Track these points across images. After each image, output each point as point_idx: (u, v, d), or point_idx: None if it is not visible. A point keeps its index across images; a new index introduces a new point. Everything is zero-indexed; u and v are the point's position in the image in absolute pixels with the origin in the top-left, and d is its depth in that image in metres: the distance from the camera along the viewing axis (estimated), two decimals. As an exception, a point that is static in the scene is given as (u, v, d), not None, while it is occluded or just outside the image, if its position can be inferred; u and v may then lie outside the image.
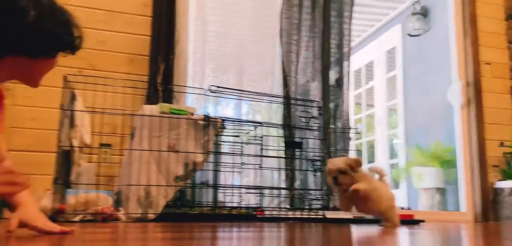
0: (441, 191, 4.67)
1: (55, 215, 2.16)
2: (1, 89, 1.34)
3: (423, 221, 2.85)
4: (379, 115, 6.21)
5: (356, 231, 1.77)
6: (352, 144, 3.45)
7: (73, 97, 2.50)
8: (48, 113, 2.80)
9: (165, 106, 2.49)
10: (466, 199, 3.62)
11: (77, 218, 2.14)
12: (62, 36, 1.27)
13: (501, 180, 3.52)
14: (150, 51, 3.03)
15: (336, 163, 1.96)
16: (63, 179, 2.34)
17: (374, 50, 6.39)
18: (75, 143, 2.47)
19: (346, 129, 3.36)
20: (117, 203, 2.35)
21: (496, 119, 3.67)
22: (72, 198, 2.18)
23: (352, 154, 3.41)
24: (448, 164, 4.63)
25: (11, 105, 2.77)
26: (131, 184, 2.31)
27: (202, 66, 3.34)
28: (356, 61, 6.51)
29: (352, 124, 3.56)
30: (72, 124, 2.49)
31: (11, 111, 2.76)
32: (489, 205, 3.52)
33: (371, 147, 6.54)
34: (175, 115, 2.45)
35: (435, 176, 4.71)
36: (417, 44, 5.41)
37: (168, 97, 2.95)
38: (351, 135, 3.40)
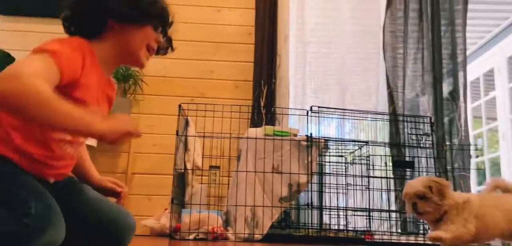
0: None
1: (172, 233, 2.34)
2: (113, 83, 1.44)
3: None
4: (503, 128, 5.50)
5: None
6: (472, 162, 3.10)
7: (186, 124, 2.73)
8: (166, 139, 3.09)
9: (269, 128, 2.56)
10: None
11: (191, 236, 2.29)
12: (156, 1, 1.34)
13: None
14: (254, 76, 3.17)
15: (413, 184, 1.64)
16: (179, 199, 2.53)
17: (494, 57, 5.74)
18: (189, 165, 2.67)
19: (464, 146, 3.05)
20: (226, 222, 2.46)
21: None
22: (187, 217, 2.34)
23: (472, 173, 3.06)
24: None
25: (135, 133, 3.13)
26: (238, 204, 2.41)
27: (303, 87, 3.37)
28: (473, 71, 5.91)
29: (471, 139, 3.22)
30: (186, 148, 2.71)
31: (135, 139, 3.12)
32: None
33: (495, 164, 5.80)
34: (279, 137, 2.50)
35: None
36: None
37: (271, 119, 3.03)
38: (471, 152, 3.07)
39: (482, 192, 1.82)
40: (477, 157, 3.22)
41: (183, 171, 2.71)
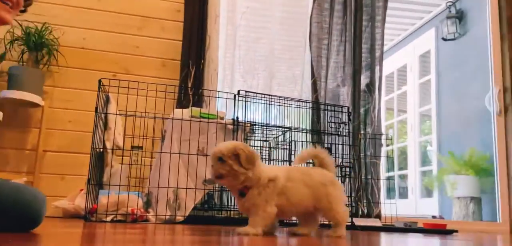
0: (476, 200, 4.50)
1: (88, 215, 2.23)
2: None
3: (456, 231, 2.75)
4: (412, 121, 6.06)
5: (385, 239, 1.73)
6: (383, 150, 3.38)
7: (107, 101, 2.59)
8: (84, 116, 2.91)
9: (196, 110, 2.53)
10: (502, 209, 3.47)
11: (108, 218, 2.20)
12: None
13: (542, 191, 3.35)
14: (182, 56, 3.10)
15: (218, 146, 1.53)
16: (96, 179, 2.41)
17: (407, 55, 6.25)
18: (108, 145, 2.55)
19: (376, 135, 3.30)
20: (147, 204, 2.40)
21: (537, 127, 3.50)
22: (104, 198, 2.24)
23: (382, 160, 3.34)
24: (484, 172, 4.46)
25: (48, 108, 2.90)
26: (160, 186, 2.36)
27: (232, 71, 3.37)
28: (388, 66, 6.39)
29: (383, 129, 3.49)
30: (105, 127, 2.57)
31: (48, 114, 2.89)
32: (529, 217, 3.36)
33: (403, 153, 6.38)
34: (205, 119, 2.49)
35: (470, 185, 4.55)
36: (452, 48, 5.26)
37: (198, 101, 3.00)
38: (382, 141, 3.33)
39: (294, 164, 1.82)
40: (387, 146, 3.51)
41: (102, 150, 2.57)
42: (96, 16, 3.10)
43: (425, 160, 5.97)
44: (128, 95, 2.45)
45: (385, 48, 3.84)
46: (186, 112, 2.53)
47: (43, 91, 2.84)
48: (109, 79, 2.52)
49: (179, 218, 2.31)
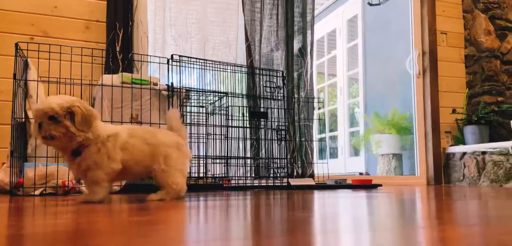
0: (398, 156, 4.90)
1: (13, 189, 2.07)
2: None
3: (380, 185, 2.99)
4: (341, 84, 6.35)
5: (318, 196, 1.83)
6: (315, 113, 3.52)
7: (26, 67, 2.37)
8: (1, 84, 2.65)
9: (127, 76, 2.42)
10: (420, 163, 3.82)
11: (37, 192, 2.06)
12: None
13: (452, 146, 3.74)
14: (107, 17, 2.91)
15: (48, 101, 1.33)
16: (20, 152, 2.24)
17: (336, 19, 6.47)
18: (30, 114, 2.36)
19: (309, 98, 3.42)
20: (78, 175, 2.29)
21: (450, 87, 3.86)
22: (30, 171, 2.09)
23: (315, 123, 3.48)
24: (404, 130, 4.85)
25: (-43, 75, 2.59)
26: (92, 156, 2.25)
27: (163, 34, 3.25)
28: (319, 31, 6.57)
29: (315, 93, 3.62)
30: (26, 94, 2.37)
31: (-43, 82, 2.59)
32: (441, 169, 3.74)
33: (333, 115, 6.70)
34: (138, 85, 2.39)
35: (392, 143, 4.93)
36: (377, 13, 5.52)
37: (129, 66, 2.86)
38: (315, 104, 3.47)
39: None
40: (319, 108, 3.65)
41: (24, 120, 2.38)
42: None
43: (353, 121, 6.33)
44: (49, 60, 2.27)
45: (315, 12, 3.93)
46: (116, 78, 2.41)
47: None
48: (27, 42, 2.30)
49: (115, 188, 2.24)
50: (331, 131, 6.70)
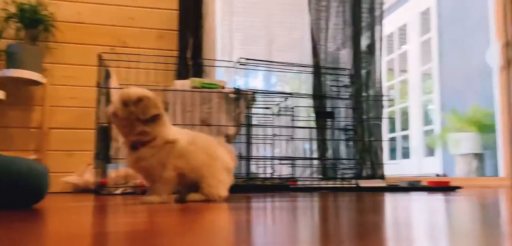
0: (479, 156, 4.54)
1: (98, 189, 2.27)
2: None
3: (459, 187, 2.79)
4: (413, 81, 6.03)
5: (390, 199, 1.76)
6: (385, 112, 3.38)
7: (107, 75, 2.58)
8: (86, 92, 2.91)
9: (196, 80, 2.53)
10: (505, 164, 3.50)
11: (118, 191, 2.23)
12: None
13: (544, 144, 3.37)
14: (179, 25, 3.06)
15: (126, 89, 1.41)
16: (103, 154, 2.44)
17: (407, 13, 6.16)
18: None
19: (378, 97, 3.30)
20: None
21: (539, 80, 3.49)
22: (113, 172, 2.27)
23: (384, 122, 3.35)
24: (486, 128, 4.48)
25: (50, 85, 2.89)
26: (166, 157, 2.38)
27: (231, 39, 3.34)
28: (388, 25, 6.31)
29: (384, 91, 3.48)
30: (108, 101, 2.57)
31: (50, 91, 2.89)
32: (531, 170, 3.40)
33: (405, 114, 6.39)
34: (207, 89, 2.48)
35: (472, 141, 4.58)
36: (453, 4, 5.17)
37: (198, 71, 2.98)
38: (384, 103, 3.34)
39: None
40: (389, 107, 3.50)
41: (106, 125, 2.59)
42: (91, -11, 3.05)
43: (427, 119, 5.98)
44: (128, 69, 2.44)
45: (384, 7, 3.78)
46: (186, 83, 2.52)
47: (43, 69, 2.83)
48: (108, 53, 2.50)
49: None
50: (402, 130, 6.39)
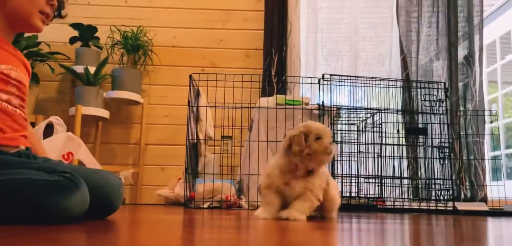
0: None
1: (187, 202, 2.39)
2: (19, 52, 1.42)
3: None
4: (520, 93, 5.39)
5: (493, 225, 1.57)
6: (487, 127, 3.07)
7: (197, 94, 2.73)
8: (178, 110, 3.11)
9: (281, 98, 2.55)
10: None
11: (205, 205, 2.33)
12: None
13: None
14: (264, 45, 3.14)
15: (326, 129, 1.55)
16: (192, 169, 2.57)
17: (511, 19, 5.56)
18: (201, 136, 2.69)
19: (478, 111, 3.01)
20: (239, 191, 2.50)
21: None
22: (200, 186, 2.38)
23: (486, 139, 3.03)
24: None
25: (147, 104, 3.15)
26: (251, 173, 2.43)
27: (315, 55, 3.33)
28: (489, 34, 5.75)
29: (486, 105, 3.17)
30: (197, 119, 2.72)
31: (147, 110, 3.14)
32: None
33: (510, 130, 5.73)
34: (291, 106, 2.49)
35: None
36: None
37: (282, 88, 3.02)
38: (486, 118, 3.03)
39: None
40: (491, 122, 3.17)
41: (195, 141, 2.73)
42: (184, 14, 3.27)
43: (538, 135, 5.28)
44: (216, 87, 2.56)
45: (485, 14, 3.46)
46: (271, 100, 2.56)
47: (141, 90, 3.09)
48: (199, 73, 2.65)
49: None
50: (507, 147, 5.73)
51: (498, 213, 2.48)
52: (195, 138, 2.72)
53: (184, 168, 2.52)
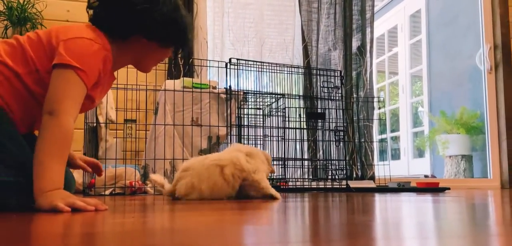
0: (467, 158, 4.59)
1: (86, 189, 2.24)
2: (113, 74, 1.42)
3: (448, 188, 2.82)
4: (403, 82, 6.09)
5: (380, 199, 1.76)
6: (375, 113, 3.41)
7: (97, 75, 2.55)
8: (74, 91, 2.87)
9: (188, 81, 2.51)
10: (493, 165, 3.55)
11: (107, 192, 2.21)
12: (186, 31, 1.40)
13: (530, 146, 3.43)
14: (170, 25, 3.04)
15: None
16: (92, 154, 2.41)
17: (397, 15, 6.22)
18: (101, 119, 2.53)
19: (369, 98, 3.32)
20: (145, 176, 2.42)
21: (526, 83, 3.54)
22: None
23: (375, 123, 3.37)
24: (474, 130, 4.54)
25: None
26: (157, 158, 2.37)
27: (222, 38, 3.33)
28: (379, 28, 6.35)
29: (375, 92, 3.50)
30: (97, 101, 2.55)
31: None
32: (518, 171, 3.45)
33: (395, 115, 6.45)
34: (198, 89, 2.47)
35: (461, 143, 4.63)
36: (442, 6, 5.23)
37: (189, 71, 2.97)
38: (374, 104, 3.36)
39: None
40: (379, 108, 3.53)
41: (94, 125, 2.56)
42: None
43: (416, 121, 6.03)
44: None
45: (375, 9, 3.80)
46: (178, 83, 2.51)
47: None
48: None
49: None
50: (392, 131, 6.45)
51: (383, 189, 2.78)
52: (94, 121, 2.55)
53: (82, 153, 2.35)
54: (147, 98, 2.70)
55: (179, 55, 2.97)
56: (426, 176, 4.53)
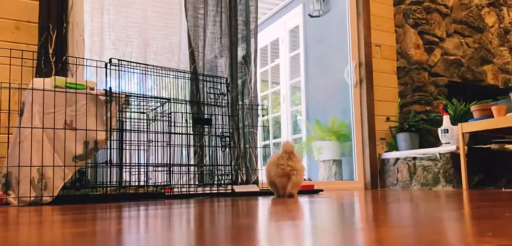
0: (338, 162, 5.08)
1: None
2: None
3: (322, 190, 3.08)
4: (284, 92, 6.48)
5: (262, 203, 1.84)
6: (260, 120, 3.55)
7: None
8: None
9: (60, 80, 2.28)
10: (358, 169, 3.99)
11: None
12: None
13: (387, 151, 3.95)
14: (39, 17, 2.73)
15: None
16: None
17: (279, 29, 6.61)
18: None
19: (253, 106, 3.44)
20: (6, 186, 2.11)
21: (384, 96, 4.09)
22: None
23: (259, 130, 3.51)
24: (343, 137, 5.05)
25: None
26: (21, 165, 2.09)
27: (101, 36, 3.11)
28: (262, 39, 6.67)
29: (259, 100, 3.65)
30: None
31: None
32: (377, 174, 3.94)
33: (277, 122, 6.82)
34: (72, 90, 2.26)
35: (332, 149, 5.11)
36: (317, 24, 5.72)
37: (62, 70, 2.70)
38: (259, 111, 3.50)
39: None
40: (263, 115, 3.69)
41: None
42: None
43: (296, 128, 6.48)
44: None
45: (259, 21, 3.99)
46: (48, 82, 2.26)
47: None
48: None
49: (47, 199, 2.09)
50: (274, 137, 6.80)
51: (267, 193, 2.91)
52: None
53: None
54: (11, 97, 2.37)
55: (51, 52, 2.68)
56: (303, 179, 4.88)
